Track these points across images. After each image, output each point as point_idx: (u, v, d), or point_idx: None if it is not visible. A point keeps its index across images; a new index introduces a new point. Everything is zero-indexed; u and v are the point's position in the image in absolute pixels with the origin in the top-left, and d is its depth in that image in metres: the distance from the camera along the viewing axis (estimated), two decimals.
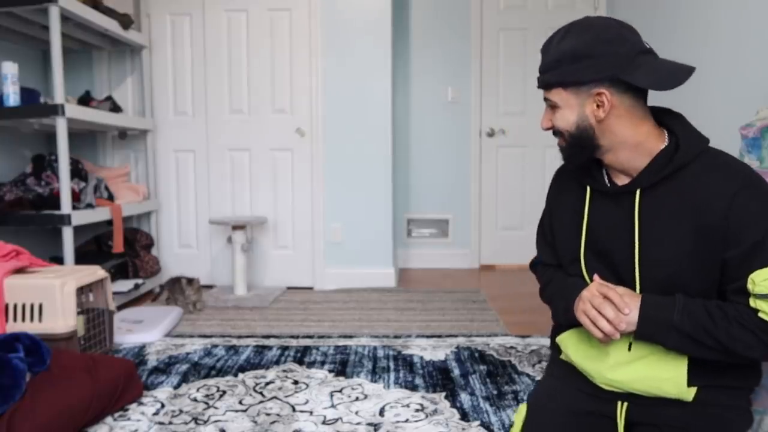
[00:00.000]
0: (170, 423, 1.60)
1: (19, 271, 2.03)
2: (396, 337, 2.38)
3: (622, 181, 1.18)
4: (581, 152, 1.18)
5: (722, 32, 2.44)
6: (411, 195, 4.03)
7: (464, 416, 1.62)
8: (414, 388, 1.83)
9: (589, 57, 1.09)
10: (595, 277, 1.17)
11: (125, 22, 2.94)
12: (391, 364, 2.05)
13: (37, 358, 1.57)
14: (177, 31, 3.32)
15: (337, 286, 3.37)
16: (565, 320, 1.25)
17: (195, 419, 1.62)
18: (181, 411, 1.67)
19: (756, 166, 1.51)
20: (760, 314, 1.04)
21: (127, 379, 1.70)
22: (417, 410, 1.67)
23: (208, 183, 3.39)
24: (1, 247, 2.08)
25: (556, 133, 1.19)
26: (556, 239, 1.32)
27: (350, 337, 2.39)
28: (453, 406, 1.69)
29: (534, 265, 1.43)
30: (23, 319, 1.91)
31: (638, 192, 1.14)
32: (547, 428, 1.23)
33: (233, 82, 3.33)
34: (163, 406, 1.71)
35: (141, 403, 1.73)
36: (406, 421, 1.60)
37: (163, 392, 1.81)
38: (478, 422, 1.58)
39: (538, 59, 1.22)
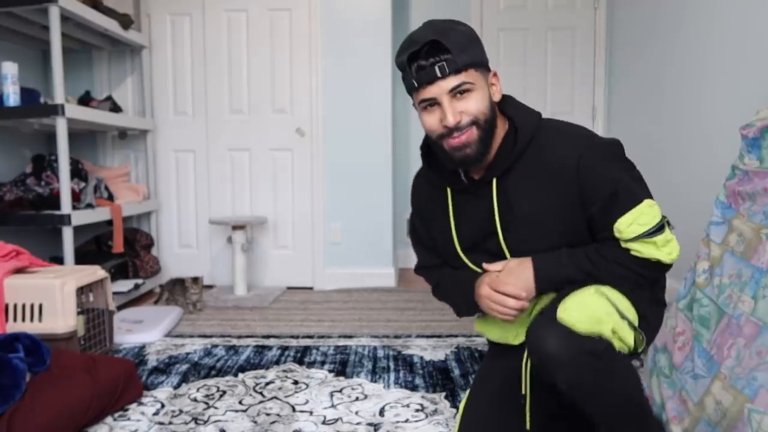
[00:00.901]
0: (170, 423, 1.60)
1: (19, 271, 2.03)
2: (396, 337, 2.38)
3: (478, 174, 1.24)
4: (490, 140, 1.19)
5: (722, 32, 2.44)
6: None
7: None
8: (414, 388, 1.83)
9: (479, 42, 1.20)
10: (485, 266, 1.23)
11: (125, 22, 2.94)
12: (391, 364, 2.05)
13: (37, 358, 1.57)
14: (177, 31, 3.32)
15: (337, 286, 3.37)
16: (471, 313, 1.32)
17: (195, 419, 1.62)
18: (181, 411, 1.67)
19: (756, 166, 1.51)
20: (633, 252, 1.15)
21: (127, 379, 1.70)
22: (417, 410, 1.67)
23: (208, 183, 3.38)
24: (1, 247, 2.08)
25: (466, 125, 1.16)
26: (433, 242, 1.36)
27: (350, 337, 2.39)
28: (453, 406, 1.69)
29: (418, 269, 1.47)
30: (23, 319, 1.91)
31: (494, 181, 1.20)
32: (482, 408, 1.28)
33: (233, 82, 3.33)
34: (163, 406, 1.71)
35: (141, 403, 1.73)
36: (406, 421, 1.60)
37: (163, 392, 1.81)
38: None
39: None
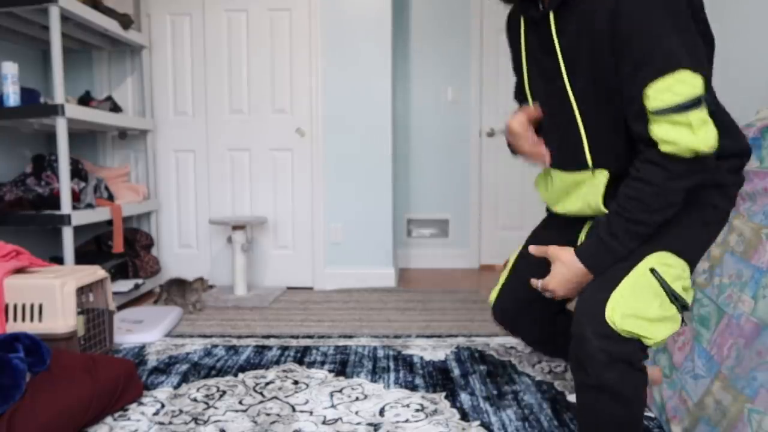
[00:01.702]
0: (170, 423, 1.60)
1: (19, 271, 2.03)
2: (396, 337, 2.38)
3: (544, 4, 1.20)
4: None
5: (722, 32, 2.44)
6: (411, 195, 4.03)
7: (464, 416, 1.62)
8: (414, 388, 1.83)
9: None
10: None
11: (125, 22, 2.94)
12: (391, 364, 2.05)
13: (37, 358, 1.57)
14: (177, 31, 3.32)
15: (337, 286, 3.37)
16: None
17: (195, 419, 1.62)
18: (181, 411, 1.67)
19: (756, 166, 1.51)
20: (662, 147, 1.01)
21: (127, 379, 1.70)
22: (417, 410, 1.67)
23: (208, 183, 3.39)
24: (1, 247, 2.08)
25: None
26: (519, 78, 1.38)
27: (350, 337, 2.39)
28: (453, 406, 1.69)
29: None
30: (23, 319, 1.91)
31: (551, 14, 1.16)
32: (530, 264, 1.33)
33: (233, 82, 3.33)
34: (163, 406, 1.71)
35: (141, 403, 1.73)
36: (406, 421, 1.60)
37: (163, 392, 1.81)
38: (478, 422, 1.58)
39: None
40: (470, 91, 3.94)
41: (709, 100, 1.00)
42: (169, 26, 3.31)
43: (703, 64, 1.03)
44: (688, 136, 0.98)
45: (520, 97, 1.40)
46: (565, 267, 1.13)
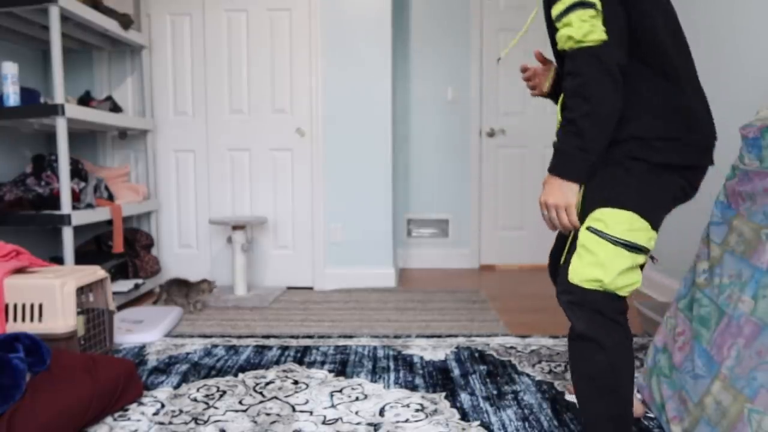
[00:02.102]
0: (170, 423, 1.60)
1: (19, 271, 2.03)
2: (396, 337, 2.38)
3: None
4: None
5: (722, 32, 2.44)
6: (411, 195, 4.03)
7: (464, 416, 1.62)
8: (414, 388, 1.83)
9: None
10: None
11: (125, 22, 2.94)
12: (391, 364, 2.05)
13: (37, 358, 1.57)
14: (177, 31, 3.32)
15: (337, 286, 3.37)
16: None
17: (195, 419, 1.62)
18: (181, 411, 1.67)
19: (756, 166, 1.50)
20: (560, 46, 1.23)
21: (127, 379, 1.70)
22: (417, 410, 1.67)
23: (208, 183, 3.39)
24: (1, 247, 2.08)
25: None
26: None
27: (350, 337, 2.39)
28: (453, 406, 1.69)
29: None
30: (23, 319, 1.91)
31: None
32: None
33: (233, 82, 3.33)
34: (163, 406, 1.71)
35: (141, 403, 1.73)
36: (406, 421, 1.60)
37: (163, 392, 1.81)
38: (478, 422, 1.58)
39: None
40: (470, 91, 3.94)
41: (597, 7, 1.18)
42: (169, 26, 3.32)
43: None
44: (569, 31, 1.19)
45: None
46: (546, 183, 1.28)
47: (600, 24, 1.18)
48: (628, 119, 1.25)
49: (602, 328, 1.21)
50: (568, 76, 1.22)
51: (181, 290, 2.86)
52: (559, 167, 1.24)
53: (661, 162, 1.26)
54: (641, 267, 1.27)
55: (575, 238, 1.26)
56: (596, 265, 1.20)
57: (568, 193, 1.24)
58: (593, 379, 1.23)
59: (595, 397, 1.24)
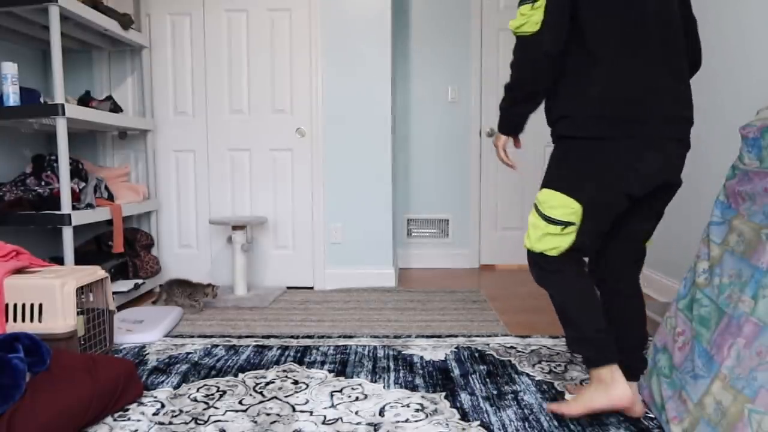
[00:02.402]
0: (170, 423, 1.60)
1: (19, 271, 2.03)
2: (396, 337, 2.38)
3: None
4: None
5: (723, 32, 2.44)
6: (411, 195, 4.03)
7: (464, 416, 1.62)
8: (414, 388, 1.83)
9: None
10: None
11: (125, 22, 2.94)
12: (391, 364, 2.05)
13: (37, 358, 1.57)
14: (177, 31, 3.32)
15: (337, 286, 3.37)
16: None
17: (195, 419, 1.62)
18: (181, 411, 1.67)
19: (756, 166, 1.50)
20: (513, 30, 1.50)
21: (127, 379, 1.70)
22: (417, 410, 1.67)
23: (208, 183, 3.39)
24: (1, 247, 2.08)
25: None
26: None
27: (350, 337, 2.39)
28: (453, 406, 1.69)
29: None
30: (23, 319, 1.91)
31: None
32: None
33: (233, 82, 3.33)
34: (163, 406, 1.71)
35: (141, 403, 1.73)
36: (406, 421, 1.60)
37: (163, 392, 1.81)
38: (478, 422, 1.58)
39: None
40: (470, 91, 3.94)
41: (537, 2, 1.43)
42: (169, 26, 3.32)
43: None
44: (511, 21, 1.50)
45: None
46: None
47: (535, 17, 1.44)
48: (562, 98, 1.53)
49: (545, 279, 1.60)
50: (513, 58, 1.54)
51: (184, 290, 2.86)
52: (498, 123, 1.72)
53: (585, 136, 1.48)
54: (601, 237, 1.59)
55: None
56: (527, 234, 1.61)
57: (501, 138, 1.73)
58: (558, 314, 1.62)
59: (564, 326, 1.61)
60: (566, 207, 1.50)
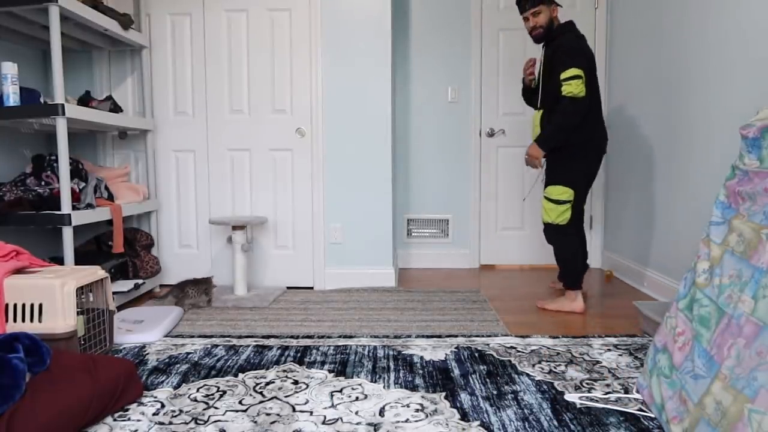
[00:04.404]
0: (170, 423, 1.60)
1: (19, 271, 2.03)
2: (396, 337, 2.38)
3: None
4: (547, 35, 2.79)
5: (722, 32, 2.44)
6: (411, 195, 4.03)
7: (464, 416, 1.62)
8: (414, 388, 1.83)
9: None
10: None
11: (125, 22, 2.94)
12: (391, 364, 2.05)
13: (37, 358, 1.57)
14: (177, 31, 3.32)
15: (337, 286, 3.37)
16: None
17: (195, 419, 1.62)
18: (181, 411, 1.67)
19: (756, 166, 1.50)
20: (564, 93, 2.60)
21: (127, 379, 1.70)
22: (417, 410, 1.67)
23: (208, 183, 3.39)
24: (1, 247, 2.08)
25: (538, 28, 2.77)
26: None
27: (350, 337, 2.39)
28: (453, 406, 1.69)
29: None
30: (23, 319, 1.91)
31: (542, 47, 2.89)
32: None
33: (233, 82, 3.33)
34: (163, 406, 1.71)
35: (141, 403, 1.73)
36: (406, 421, 1.60)
37: (163, 392, 1.81)
38: (478, 422, 1.58)
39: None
40: (470, 91, 3.94)
41: (587, 80, 2.61)
42: (169, 26, 3.32)
43: (585, 69, 2.62)
44: (571, 88, 2.57)
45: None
46: (531, 146, 2.76)
47: (582, 88, 2.58)
48: (578, 131, 2.68)
49: (556, 239, 2.80)
50: (561, 106, 2.62)
51: (199, 288, 2.91)
52: (540, 142, 2.72)
53: (585, 157, 2.75)
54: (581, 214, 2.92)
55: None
56: (546, 213, 2.78)
57: (541, 152, 2.73)
58: (558, 260, 2.83)
59: (561, 267, 2.83)
60: (566, 193, 2.73)
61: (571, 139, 2.64)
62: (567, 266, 2.77)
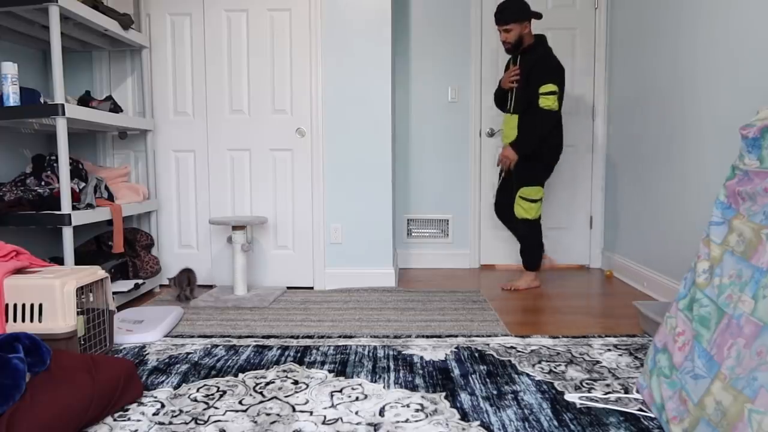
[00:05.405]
0: (170, 423, 1.60)
1: (19, 271, 2.03)
2: (396, 337, 2.38)
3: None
4: (517, 49, 3.14)
5: (722, 32, 2.44)
6: (411, 195, 4.03)
7: (464, 416, 1.62)
8: (414, 388, 1.83)
9: (522, 9, 3.07)
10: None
11: (125, 22, 2.94)
12: (391, 364, 2.05)
13: (37, 358, 1.57)
14: (177, 31, 3.32)
15: (337, 286, 3.37)
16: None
17: (195, 419, 1.62)
18: (181, 411, 1.67)
19: (756, 166, 1.50)
20: (542, 106, 3.01)
21: (127, 379, 1.70)
22: (417, 410, 1.67)
23: (208, 183, 3.39)
24: (1, 247, 2.08)
25: (507, 43, 3.12)
26: None
27: (350, 337, 2.39)
28: (453, 406, 1.69)
29: None
30: (23, 319, 1.91)
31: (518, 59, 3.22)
32: (502, 188, 3.50)
33: (233, 82, 3.33)
34: (163, 406, 1.71)
35: (141, 403, 1.73)
36: (406, 421, 1.60)
37: (163, 392, 1.81)
38: (478, 422, 1.58)
39: None
40: (470, 91, 3.94)
41: (559, 95, 3.03)
42: (169, 26, 3.32)
43: (559, 86, 3.03)
44: (547, 102, 2.98)
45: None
46: (505, 147, 3.16)
47: (557, 102, 3.00)
48: (546, 139, 3.11)
49: (529, 230, 3.20)
50: (538, 117, 3.02)
51: (185, 281, 3.07)
52: (517, 147, 3.09)
53: (549, 160, 3.15)
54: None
55: (515, 195, 3.23)
56: (525, 211, 3.18)
57: (515, 155, 3.11)
58: (525, 246, 3.28)
59: (527, 252, 3.29)
60: (539, 192, 3.17)
61: (541, 146, 3.08)
62: (534, 252, 3.26)
